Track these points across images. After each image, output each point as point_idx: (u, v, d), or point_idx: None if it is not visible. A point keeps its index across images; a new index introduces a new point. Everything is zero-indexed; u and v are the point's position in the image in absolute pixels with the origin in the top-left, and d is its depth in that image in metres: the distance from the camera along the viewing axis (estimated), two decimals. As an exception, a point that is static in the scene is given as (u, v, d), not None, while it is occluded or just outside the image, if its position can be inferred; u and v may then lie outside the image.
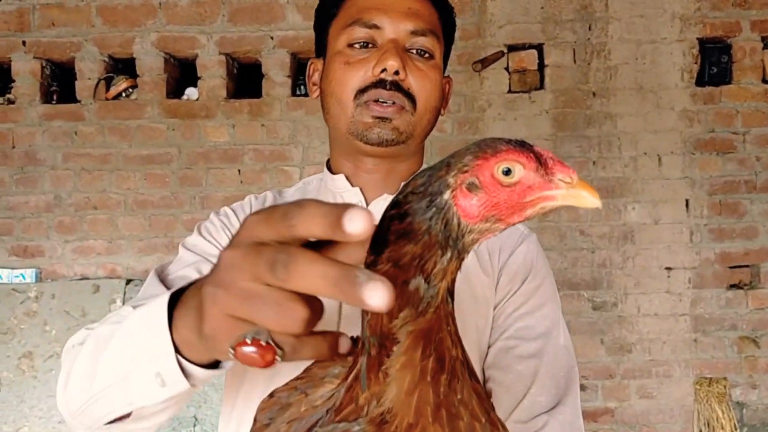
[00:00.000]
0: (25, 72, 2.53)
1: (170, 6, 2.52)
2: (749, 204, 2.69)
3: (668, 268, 2.70)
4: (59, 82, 2.62)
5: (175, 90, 2.62)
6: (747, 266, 2.72)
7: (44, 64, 2.54)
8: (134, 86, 2.57)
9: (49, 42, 2.52)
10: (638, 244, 2.69)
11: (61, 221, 2.59)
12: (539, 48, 2.63)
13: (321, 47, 0.99)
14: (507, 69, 2.63)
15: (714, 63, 2.64)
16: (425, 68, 0.90)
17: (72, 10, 2.51)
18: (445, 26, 0.98)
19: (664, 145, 2.65)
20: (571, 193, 0.43)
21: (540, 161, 0.44)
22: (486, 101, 2.63)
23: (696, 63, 2.65)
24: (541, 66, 2.64)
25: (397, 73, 0.86)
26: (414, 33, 0.90)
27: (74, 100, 2.56)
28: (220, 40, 2.55)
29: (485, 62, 2.55)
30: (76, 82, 2.54)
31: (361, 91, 0.87)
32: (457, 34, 2.58)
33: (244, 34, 2.54)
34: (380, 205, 0.94)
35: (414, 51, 0.90)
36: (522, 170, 0.44)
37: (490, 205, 0.43)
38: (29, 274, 2.56)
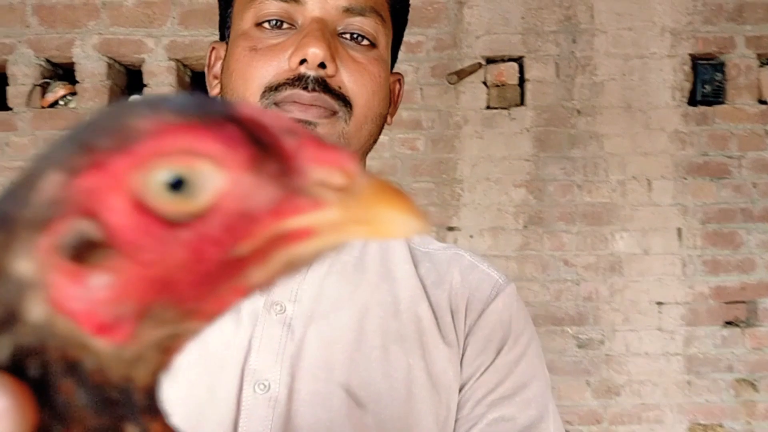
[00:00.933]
0: (-47, 75, 2.27)
1: (114, 6, 2.29)
2: (746, 234, 2.48)
3: (659, 303, 2.47)
4: (-11, 87, 2.36)
5: (120, 98, 2.37)
6: (744, 302, 2.50)
7: (-27, 67, 2.29)
8: (73, 93, 2.32)
9: (-22, 43, 2.27)
10: (627, 276, 2.46)
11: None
12: (519, 61, 2.42)
13: (224, 27, 0.73)
14: (485, 83, 2.42)
15: (707, 81, 2.45)
16: (364, 60, 0.65)
17: (4, 8, 2.26)
18: (393, 4, 0.72)
19: (654, 168, 2.45)
20: (353, 213, 0.24)
21: (262, 146, 0.24)
22: (462, 117, 2.41)
23: (688, 80, 2.46)
24: (522, 80, 2.43)
25: (323, 66, 0.61)
26: (349, 11, 0.65)
27: (5, 108, 2.30)
28: (170, 44, 2.31)
29: (461, 74, 2.34)
30: (8, 88, 2.29)
31: (272, 89, 0.63)
32: (431, 44, 2.29)
33: (197, 38, 2.31)
34: None
35: (348, 36, 0.66)
36: (217, 174, 0.23)
37: (147, 285, 0.23)
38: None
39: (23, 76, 2.29)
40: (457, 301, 0.70)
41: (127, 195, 0.22)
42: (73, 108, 2.32)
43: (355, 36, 0.67)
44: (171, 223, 0.23)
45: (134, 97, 0.25)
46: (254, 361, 0.63)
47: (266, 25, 0.66)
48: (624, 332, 2.47)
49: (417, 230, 0.24)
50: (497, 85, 2.42)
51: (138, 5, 2.29)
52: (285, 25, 0.66)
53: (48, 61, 2.32)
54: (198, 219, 0.23)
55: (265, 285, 0.25)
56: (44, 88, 2.30)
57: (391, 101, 0.76)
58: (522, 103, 2.43)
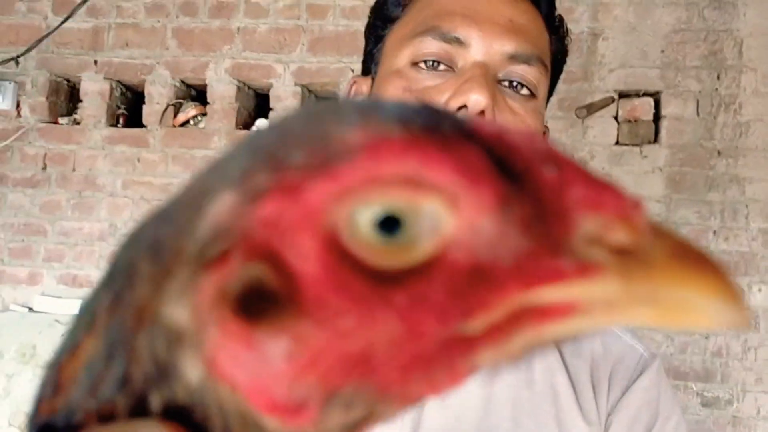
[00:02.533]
0: (94, 92, 2.41)
1: (248, 32, 2.36)
2: None
3: (798, 365, 2.25)
4: (127, 105, 2.49)
5: (247, 121, 2.43)
6: None
7: (114, 86, 2.42)
8: (204, 114, 2.40)
9: (121, 63, 2.40)
10: (763, 332, 2.26)
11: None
12: (656, 96, 2.29)
13: (370, 62, 0.70)
14: (616, 118, 2.30)
15: None
16: (523, 112, 0.61)
17: (147, 31, 2.38)
18: (556, 53, 0.68)
19: (800, 217, 2.24)
20: (638, 288, 0.16)
21: (512, 178, 0.17)
22: (589, 153, 2.30)
23: None
24: (657, 117, 2.29)
25: (482, 113, 0.58)
26: (514, 58, 0.61)
27: (140, 125, 2.41)
28: (298, 70, 2.35)
29: (591, 109, 2.24)
30: (144, 107, 2.40)
31: None
32: (560, 76, 2.17)
33: (323, 65, 2.33)
34: None
35: (507, 83, 0.61)
36: (448, 216, 0.16)
37: (341, 362, 0.16)
38: (75, 306, 2.40)
39: (159, 95, 2.39)
40: (599, 375, 0.64)
41: (323, 233, 0.16)
42: (202, 128, 2.40)
43: (515, 84, 0.62)
44: (379, 278, 0.16)
45: (343, 99, 0.17)
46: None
47: (423, 65, 0.63)
48: (756, 393, 2.27)
49: (733, 323, 0.17)
50: (629, 121, 2.29)
51: (270, 32, 2.34)
52: (442, 67, 0.62)
53: (182, 82, 2.42)
54: (416, 275, 0.16)
55: (494, 368, 0.18)
56: (177, 107, 2.40)
57: None
58: (656, 140, 2.29)
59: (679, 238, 0.18)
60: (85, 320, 0.19)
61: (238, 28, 2.36)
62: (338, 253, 0.17)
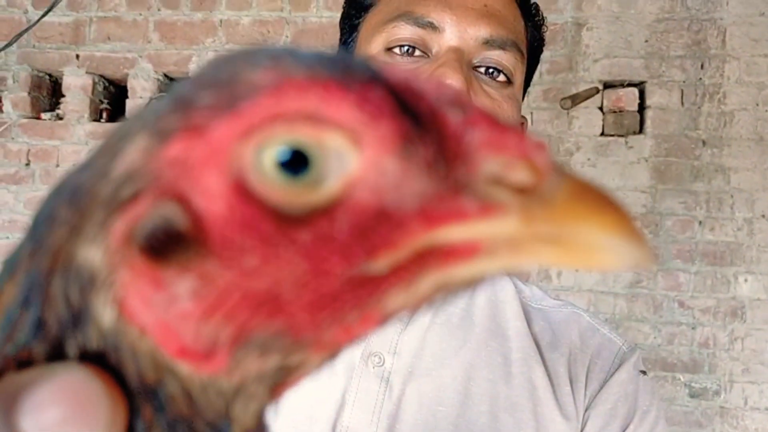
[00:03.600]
0: (76, 87, 2.39)
1: (231, 24, 2.34)
2: None
3: (785, 354, 2.25)
4: (110, 99, 2.47)
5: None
6: None
7: (96, 80, 2.40)
8: (187, 108, 2.39)
9: (103, 57, 2.38)
10: (749, 323, 2.26)
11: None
12: (640, 86, 2.28)
13: (347, 49, 0.70)
14: (601, 108, 2.29)
15: None
16: (499, 98, 0.60)
17: (129, 24, 2.36)
18: (532, 41, 0.67)
19: (786, 207, 2.24)
20: (540, 226, 0.16)
21: (416, 120, 0.16)
22: (574, 144, 2.29)
23: (832, 113, 2.24)
24: (642, 107, 2.29)
25: None
26: (488, 43, 0.60)
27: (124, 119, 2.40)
28: (281, 62, 2.34)
29: (576, 99, 2.23)
30: (127, 101, 2.38)
31: None
32: (544, 67, 2.19)
33: (308, 57, 2.32)
34: None
35: (483, 70, 0.60)
36: (352, 154, 0.16)
37: (248, 301, 0.16)
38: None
39: (142, 89, 2.38)
40: (576, 368, 0.64)
41: (229, 173, 0.16)
42: (185, 122, 2.39)
43: (490, 70, 0.62)
44: (285, 217, 0.16)
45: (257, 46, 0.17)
46: (348, 418, 0.58)
47: (397, 51, 0.62)
48: (743, 384, 2.27)
49: (636, 262, 0.16)
50: (614, 111, 2.28)
51: (254, 24, 2.33)
52: (417, 52, 0.62)
53: (166, 75, 2.40)
54: (321, 215, 0.16)
55: (406, 312, 0.18)
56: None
57: None
58: (641, 131, 2.28)
59: (581, 178, 0.18)
60: (8, 268, 0.19)
61: (221, 21, 2.34)
62: (244, 192, 0.16)
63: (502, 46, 0.61)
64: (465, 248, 0.17)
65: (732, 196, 2.25)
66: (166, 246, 0.17)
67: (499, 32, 0.61)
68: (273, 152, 0.16)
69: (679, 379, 2.29)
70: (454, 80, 0.57)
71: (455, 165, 0.17)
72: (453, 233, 0.17)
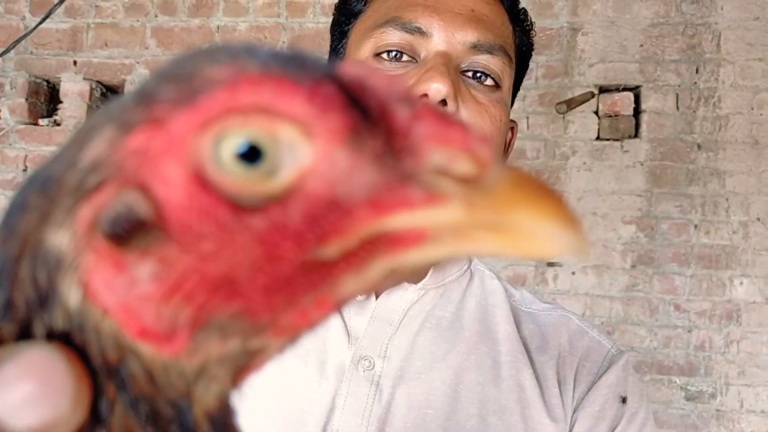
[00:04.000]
0: (74, 93, 2.39)
1: (228, 30, 2.35)
2: None
3: (781, 357, 2.26)
4: (108, 105, 2.48)
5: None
6: None
7: (93, 86, 2.41)
8: (184, 113, 2.40)
9: (101, 63, 2.39)
10: (745, 326, 2.26)
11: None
12: (636, 91, 2.29)
13: (335, 58, 0.70)
14: (596, 113, 2.30)
15: None
16: (487, 101, 0.60)
17: (126, 30, 2.37)
18: (520, 46, 0.68)
19: (781, 210, 2.24)
20: (482, 214, 0.17)
21: (365, 113, 0.18)
22: (570, 148, 2.30)
23: (826, 116, 2.24)
24: (637, 111, 2.30)
25: (444, 103, 0.57)
26: (476, 47, 0.61)
27: (121, 125, 2.41)
28: (278, 67, 2.35)
29: (572, 104, 2.24)
30: (125, 106, 2.39)
31: None
32: (540, 72, 2.19)
33: (304, 62, 2.33)
34: (394, 299, 0.64)
35: (471, 74, 0.61)
36: (304, 145, 0.17)
37: (206, 284, 0.17)
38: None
39: (139, 95, 2.38)
40: (565, 371, 0.64)
41: (187, 163, 0.17)
42: (182, 127, 2.39)
43: (478, 75, 0.62)
44: (240, 205, 0.17)
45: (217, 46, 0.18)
46: (338, 421, 0.59)
47: (385, 56, 0.63)
48: (738, 387, 2.27)
49: (573, 248, 0.17)
50: (610, 116, 2.29)
51: (251, 30, 2.34)
52: (405, 57, 0.62)
53: (163, 81, 2.41)
54: (275, 203, 0.18)
55: (358, 296, 0.20)
56: (157, 107, 2.39)
57: (505, 147, 0.70)
58: (636, 135, 2.29)
59: (520, 170, 0.19)
60: None
61: (218, 27, 2.35)
62: (202, 181, 0.17)
63: (489, 51, 0.62)
64: (412, 235, 0.18)
65: (727, 200, 2.25)
66: (128, 232, 0.18)
67: (487, 37, 0.62)
68: (229, 144, 0.17)
69: (675, 382, 2.29)
70: (441, 84, 0.57)
71: (402, 157, 0.18)
72: (400, 221, 0.18)
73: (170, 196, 0.18)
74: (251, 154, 0.17)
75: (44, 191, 0.19)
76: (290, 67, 0.18)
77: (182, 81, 0.18)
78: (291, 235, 0.18)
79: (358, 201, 0.18)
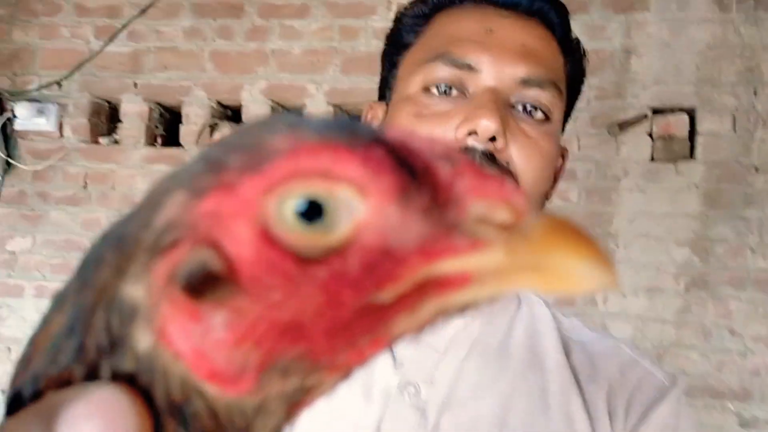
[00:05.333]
0: (133, 114, 2.47)
1: (283, 53, 2.40)
2: None
3: (839, 384, 2.20)
4: (165, 125, 2.55)
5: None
6: None
7: (152, 107, 2.48)
8: (238, 133, 2.45)
9: (160, 85, 2.46)
10: (802, 351, 2.21)
11: (152, 268, 2.48)
12: (691, 113, 2.27)
13: (385, 88, 0.70)
14: (650, 135, 2.28)
15: None
16: (536, 135, 0.61)
17: (185, 54, 2.44)
18: (572, 76, 0.67)
19: (841, 234, 2.19)
20: (521, 257, 0.20)
21: (412, 173, 0.20)
22: (622, 169, 2.28)
23: None
24: (692, 133, 2.27)
25: (493, 139, 0.58)
26: (526, 82, 0.61)
27: (178, 145, 2.47)
28: (330, 90, 2.38)
29: (624, 125, 2.22)
30: (182, 127, 2.46)
31: None
32: (592, 93, 2.18)
33: (356, 85, 2.36)
34: (441, 325, 0.66)
35: (521, 107, 0.61)
36: (359, 203, 0.20)
37: (274, 330, 0.19)
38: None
39: (195, 116, 2.45)
40: (616, 402, 0.63)
41: (256, 223, 0.19)
42: (237, 147, 2.45)
43: (528, 108, 0.62)
44: (304, 259, 0.19)
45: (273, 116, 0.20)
46: None
47: (434, 90, 0.63)
48: (795, 413, 2.22)
49: (604, 284, 0.19)
50: (663, 137, 2.27)
51: (304, 53, 2.38)
52: (454, 92, 0.62)
53: (219, 103, 2.47)
54: (335, 255, 0.20)
55: (410, 336, 0.21)
56: (213, 128, 2.45)
57: (555, 177, 0.70)
58: (691, 156, 2.26)
59: (556, 217, 0.21)
60: (58, 302, 0.22)
61: (273, 51, 2.40)
62: (269, 238, 0.20)
63: (539, 85, 0.62)
64: (458, 278, 0.20)
65: (785, 223, 2.21)
66: (203, 285, 0.20)
67: (537, 71, 0.62)
68: (292, 204, 0.20)
69: (729, 408, 2.25)
70: (490, 121, 0.57)
71: (447, 209, 0.20)
72: (447, 266, 0.20)
73: (241, 253, 0.20)
74: (312, 213, 0.20)
75: (119, 248, 0.21)
76: (343, 134, 0.20)
77: (248, 150, 0.20)
78: (350, 283, 0.20)
79: (410, 250, 0.20)
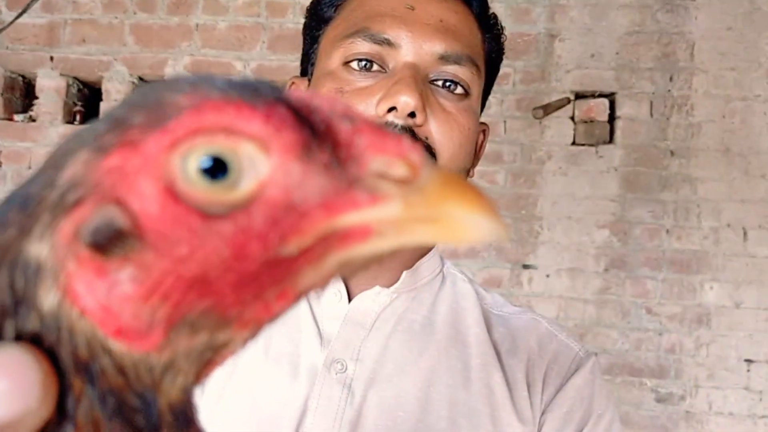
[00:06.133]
0: (50, 89, 2.37)
1: (208, 29, 2.34)
2: None
3: (748, 361, 2.31)
4: (84, 102, 2.45)
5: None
6: None
7: (70, 82, 2.38)
8: (162, 111, 2.38)
9: (78, 59, 2.37)
10: (715, 329, 2.31)
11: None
12: (611, 97, 2.32)
13: (307, 62, 0.71)
14: (572, 118, 2.33)
15: (817, 127, 2.27)
16: (455, 110, 0.61)
17: (104, 27, 2.35)
18: (489, 53, 0.68)
19: (751, 217, 2.29)
20: (417, 210, 0.21)
21: (313, 130, 0.21)
22: (546, 153, 2.33)
23: (795, 126, 2.29)
24: (612, 117, 2.33)
25: (413, 115, 0.58)
26: (444, 58, 0.61)
27: (98, 122, 2.38)
28: (258, 67, 2.34)
29: (548, 109, 2.26)
30: (102, 104, 2.37)
31: None
32: (518, 77, 2.20)
33: (284, 62, 2.33)
34: (367, 302, 0.64)
35: (440, 83, 0.62)
36: (262, 159, 0.20)
37: (180, 284, 0.20)
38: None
39: (116, 92, 2.37)
40: (534, 373, 0.65)
41: (160, 179, 0.20)
42: (160, 125, 2.38)
43: (447, 84, 0.63)
44: (208, 214, 0.20)
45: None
46: (310, 423, 0.59)
47: (355, 65, 0.63)
48: (708, 389, 2.32)
49: (493, 233, 0.20)
50: (585, 121, 2.32)
51: (230, 29, 2.33)
52: (375, 67, 0.63)
53: (141, 78, 2.39)
54: (239, 210, 0.20)
55: (315, 288, 0.22)
56: (135, 105, 2.37)
57: (476, 153, 0.71)
58: (611, 140, 2.32)
59: (449, 173, 0.22)
60: None
61: (197, 25, 2.34)
62: (173, 194, 0.20)
63: (457, 61, 0.63)
64: (360, 231, 0.21)
65: (699, 206, 2.30)
66: (108, 241, 0.20)
67: (455, 47, 0.62)
68: (196, 160, 0.20)
69: (646, 384, 2.33)
70: (409, 97, 0.58)
71: (347, 165, 0.21)
72: (349, 219, 0.21)
73: (146, 209, 0.20)
74: (216, 170, 0.20)
75: (23, 208, 0.21)
76: (246, 92, 0.21)
77: (151, 108, 0.20)
78: (255, 237, 0.20)
79: (312, 204, 0.21)
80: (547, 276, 2.33)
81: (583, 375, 0.66)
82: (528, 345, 0.67)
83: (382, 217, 0.21)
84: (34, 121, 2.40)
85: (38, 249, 0.20)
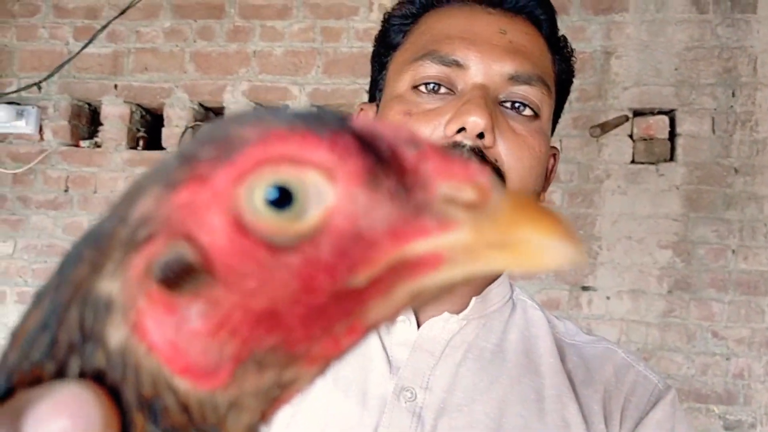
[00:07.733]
0: (114, 116, 2.46)
1: (264, 55, 2.40)
2: None
3: (823, 386, 2.19)
4: (147, 128, 2.53)
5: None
6: None
7: (133, 109, 2.47)
8: (220, 136, 2.44)
9: (141, 87, 2.45)
10: (786, 353, 2.20)
11: (132, 272, 2.45)
12: (671, 114, 2.28)
13: (375, 89, 0.70)
14: (631, 136, 2.29)
15: None
16: (525, 132, 0.60)
17: (166, 55, 2.43)
18: (560, 74, 0.67)
19: (822, 235, 2.19)
20: (489, 235, 0.20)
21: (378, 157, 0.20)
22: (604, 171, 2.29)
23: None
24: (672, 135, 2.28)
25: (481, 136, 0.57)
26: (514, 78, 0.60)
27: (160, 148, 2.45)
28: (313, 92, 2.38)
29: (605, 127, 2.23)
30: (164, 129, 2.45)
31: None
32: (573, 95, 2.18)
33: (339, 86, 2.36)
34: (436, 329, 0.63)
35: (510, 104, 0.61)
36: (328, 188, 0.20)
37: (249, 318, 0.19)
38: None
39: (177, 118, 2.44)
40: (611, 406, 0.63)
41: (228, 212, 0.20)
42: (218, 149, 2.43)
43: (516, 105, 0.62)
44: (276, 246, 0.19)
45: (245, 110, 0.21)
46: None
47: (423, 88, 0.63)
48: (780, 416, 2.21)
49: (571, 259, 0.19)
50: (644, 139, 2.28)
51: (286, 54, 2.38)
52: (443, 90, 0.62)
53: (201, 105, 2.46)
54: (307, 242, 0.20)
55: (386, 321, 0.21)
56: (195, 130, 2.44)
57: (546, 176, 0.70)
58: (672, 158, 2.27)
59: (521, 195, 0.21)
60: (37, 299, 0.22)
61: (254, 52, 2.40)
62: (242, 227, 0.19)
63: (527, 81, 0.62)
64: (430, 259, 0.20)
65: (765, 225, 2.21)
66: (178, 277, 0.20)
67: (525, 68, 0.62)
68: (262, 192, 0.20)
69: (713, 411, 2.24)
70: (478, 117, 0.57)
71: (415, 191, 0.20)
72: (418, 247, 0.20)
73: (215, 242, 0.20)
74: (283, 201, 0.20)
75: (96, 245, 0.21)
76: (310, 122, 0.20)
77: (219, 142, 0.20)
78: (323, 269, 0.20)
79: (380, 233, 0.20)
80: (608, 298, 2.28)
81: (664, 408, 0.64)
82: (604, 376, 0.65)
83: (453, 244, 0.20)
84: (99, 146, 2.49)
85: (109, 286, 0.20)
